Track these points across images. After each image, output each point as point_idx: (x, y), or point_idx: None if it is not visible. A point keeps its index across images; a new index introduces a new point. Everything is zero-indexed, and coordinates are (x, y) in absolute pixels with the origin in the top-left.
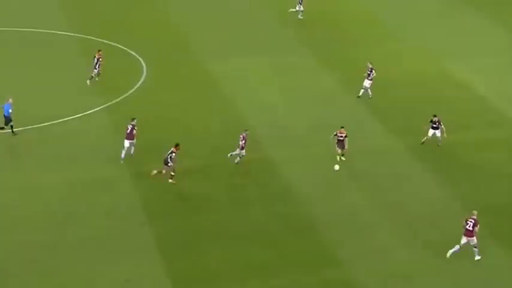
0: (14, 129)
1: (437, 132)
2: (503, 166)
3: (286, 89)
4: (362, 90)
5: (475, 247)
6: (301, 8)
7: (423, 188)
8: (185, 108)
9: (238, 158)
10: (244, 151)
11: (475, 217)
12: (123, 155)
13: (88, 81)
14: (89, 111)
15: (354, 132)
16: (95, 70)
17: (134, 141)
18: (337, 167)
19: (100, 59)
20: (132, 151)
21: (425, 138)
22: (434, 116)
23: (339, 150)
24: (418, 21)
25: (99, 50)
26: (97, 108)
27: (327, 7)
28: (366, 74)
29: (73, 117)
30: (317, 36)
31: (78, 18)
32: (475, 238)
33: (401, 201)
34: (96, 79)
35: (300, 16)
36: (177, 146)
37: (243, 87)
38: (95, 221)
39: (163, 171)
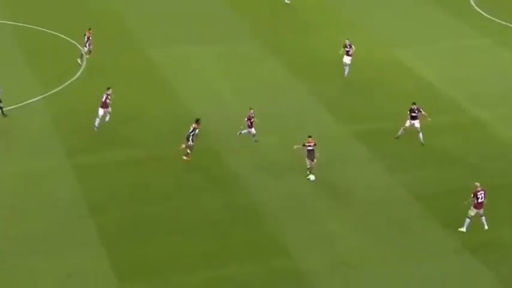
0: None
1: (416, 123)
2: (452, 152)
3: (234, 78)
4: (346, 68)
5: (482, 216)
6: None
7: (372, 175)
8: (127, 97)
9: (253, 138)
10: (253, 129)
11: (481, 188)
12: (96, 124)
13: (78, 60)
14: (28, 101)
15: (302, 119)
16: (85, 48)
17: (109, 109)
18: (312, 177)
19: (90, 37)
20: (107, 119)
21: (401, 129)
22: (414, 103)
23: (308, 162)
24: (367, 8)
25: (89, 29)
26: (36, 98)
27: None
28: (342, 51)
29: (11, 107)
30: (267, 25)
31: (15, 6)
32: (483, 209)
33: (349, 188)
34: (87, 56)
35: (286, 0)
36: (197, 121)
37: (189, 76)
38: (35, 214)
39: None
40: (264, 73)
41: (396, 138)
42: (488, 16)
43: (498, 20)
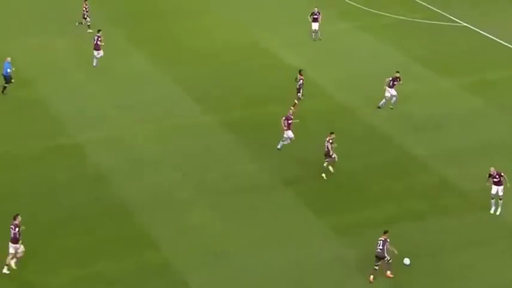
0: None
1: (393, 91)
2: (318, 137)
3: (93, 69)
4: (313, 34)
5: (500, 199)
6: None
7: (239, 162)
8: None
9: (287, 140)
10: (290, 132)
11: (495, 171)
12: (94, 63)
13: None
14: None
15: (168, 109)
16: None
17: (101, 51)
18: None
19: (86, 8)
20: (98, 57)
21: (382, 101)
22: (397, 72)
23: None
24: None
25: (85, 0)
26: None
27: None
28: (310, 18)
29: None
30: (126, 13)
31: None
32: (502, 186)
33: (217, 177)
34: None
35: None
36: (300, 72)
37: (44, 69)
38: None
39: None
40: (126, 63)
41: (378, 107)
42: (349, 1)
43: (358, 5)
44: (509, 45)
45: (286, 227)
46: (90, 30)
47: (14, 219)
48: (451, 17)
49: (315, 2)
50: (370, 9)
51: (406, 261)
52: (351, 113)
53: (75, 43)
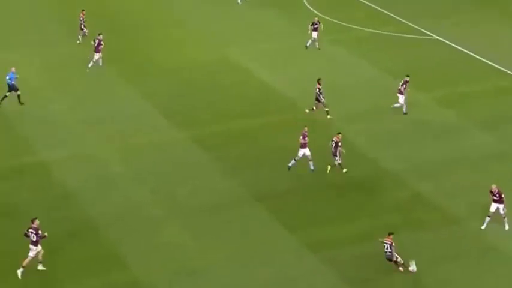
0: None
1: (402, 99)
2: (291, 153)
3: (58, 83)
4: (309, 41)
5: (504, 217)
6: None
7: (210, 179)
8: None
9: (311, 166)
10: (307, 149)
11: (496, 189)
12: (89, 65)
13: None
14: None
15: (138, 126)
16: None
17: (101, 54)
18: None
19: (83, 18)
20: (100, 62)
21: (404, 107)
22: (407, 75)
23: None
24: (201, 9)
25: (82, 10)
26: None
27: None
28: (310, 27)
29: None
30: (95, 28)
31: None
32: (503, 205)
33: (188, 193)
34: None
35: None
36: (319, 81)
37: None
38: None
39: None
40: (94, 78)
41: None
42: (322, 15)
43: (331, 19)
44: (481, 58)
45: (258, 243)
46: (79, 42)
47: (32, 222)
48: (424, 30)
49: (287, 17)
50: (343, 23)
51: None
52: (324, 127)
53: (51, 58)
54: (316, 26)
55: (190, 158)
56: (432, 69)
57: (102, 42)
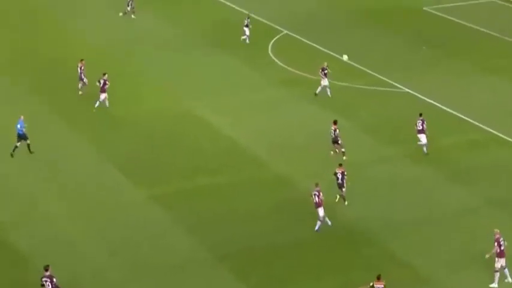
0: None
1: (424, 138)
2: (255, 212)
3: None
4: (319, 88)
5: (505, 268)
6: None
7: (172, 238)
8: None
9: (328, 222)
10: (322, 209)
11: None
12: (96, 105)
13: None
14: None
15: (92, 182)
16: (82, 80)
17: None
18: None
19: (82, 68)
20: (107, 103)
21: (424, 147)
22: (420, 114)
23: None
24: (160, 56)
25: (81, 60)
26: None
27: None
28: (321, 73)
29: None
30: (46, 81)
31: None
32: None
33: (149, 254)
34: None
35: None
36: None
37: None
38: None
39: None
40: (47, 132)
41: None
42: (287, 67)
43: (298, 72)
44: (453, 111)
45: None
46: (80, 93)
47: (46, 270)
48: (394, 83)
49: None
50: (311, 76)
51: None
52: (289, 183)
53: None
54: (325, 71)
55: (151, 217)
56: (403, 122)
57: (107, 82)
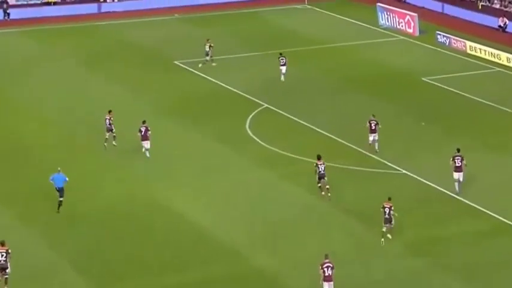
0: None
1: (461, 177)
2: None
3: None
4: (371, 142)
5: None
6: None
7: None
8: None
9: None
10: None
11: None
12: (148, 155)
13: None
14: None
15: (41, 283)
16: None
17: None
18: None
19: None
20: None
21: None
22: (458, 150)
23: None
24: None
25: (110, 111)
26: None
27: None
28: (368, 125)
29: None
30: None
31: None
32: None
33: None
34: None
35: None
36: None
37: None
38: None
39: None
40: None
41: None
42: (267, 145)
43: (278, 150)
44: (458, 197)
45: None
46: (114, 143)
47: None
48: (388, 163)
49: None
50: (293, 155)
51: None
52: (274, 279)
53: None
54: (373, 127)
55: None
56: (399, 209)
57: (149, 128)
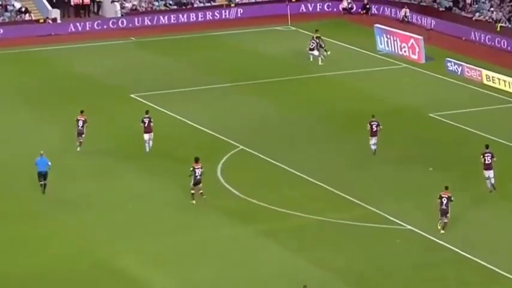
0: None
1: (491, 174)
2: None
3: None
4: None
5: None
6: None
7: None
8: None
9: None
10: None
11: None
12: (147, 150)
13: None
14: None
15: None
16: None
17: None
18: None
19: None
20: (151, 144)
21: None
22: (487, 146)
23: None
24: (75, 190)
25: (82, 111)
26: None
27: None
28: (368, 126)
29: None
30: None
31: None
32: None
33: None
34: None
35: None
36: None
37: None
38: None
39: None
40: None
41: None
42: (244, 196)
43: (259, 203)
44: (475, 259)
45: None
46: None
47: None
48: (388, 216)
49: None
50: (279, 209)
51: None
52: None
53: None
54: (374, 129)
55: None
56: (403, 272)
57: (152, 120)
